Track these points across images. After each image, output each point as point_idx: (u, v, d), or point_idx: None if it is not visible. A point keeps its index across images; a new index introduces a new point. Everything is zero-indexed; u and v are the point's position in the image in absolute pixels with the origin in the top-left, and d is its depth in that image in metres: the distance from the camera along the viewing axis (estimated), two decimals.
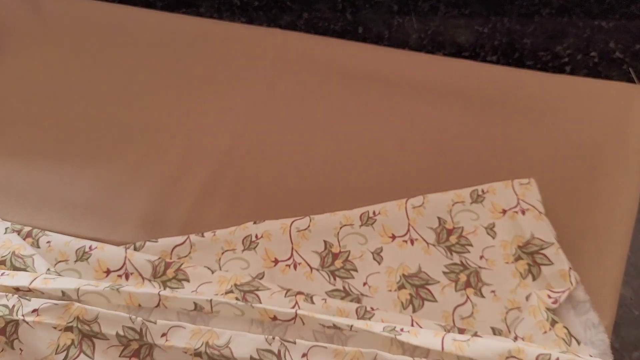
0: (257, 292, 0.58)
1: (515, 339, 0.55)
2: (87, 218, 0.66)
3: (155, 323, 0.55)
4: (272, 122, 0.70)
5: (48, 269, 0.60)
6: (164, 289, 0.58)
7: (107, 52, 0.75)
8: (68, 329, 0.56)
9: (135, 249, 0.62)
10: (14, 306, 0.56)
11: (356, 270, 0.61)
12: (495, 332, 0.57)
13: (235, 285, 0.59)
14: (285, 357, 0.52)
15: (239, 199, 0.66)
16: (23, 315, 0.56)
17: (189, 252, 0.62)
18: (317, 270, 0.61)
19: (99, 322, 0.55)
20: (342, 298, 0.59)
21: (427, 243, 0.61)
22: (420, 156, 0.66)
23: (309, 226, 0.62)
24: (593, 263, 0.59)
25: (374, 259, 0.61)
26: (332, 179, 0.66)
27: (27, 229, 0.64)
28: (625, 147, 0.64)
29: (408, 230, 0.62)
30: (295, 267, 0.61)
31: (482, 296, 0.59)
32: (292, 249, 0.62)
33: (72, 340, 0.55)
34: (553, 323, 0.54)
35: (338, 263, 0.61)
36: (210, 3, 0.78)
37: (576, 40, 0.72)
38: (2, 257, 0.61)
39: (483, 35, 0.73)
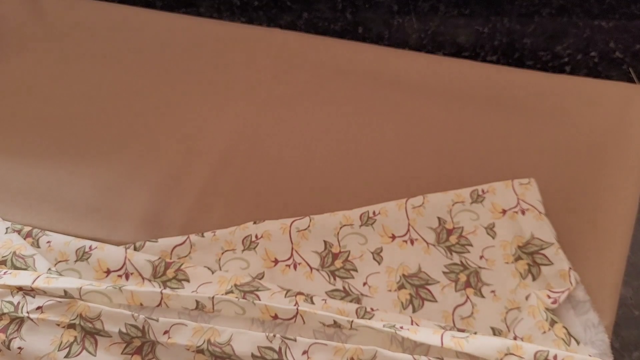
0: (257, 293, 0.58)
1: (515, 339, 0.55)
2: (87, 218, 0.66)
3: (157, 321, 0.55)
4: (272, 122, 0.70)
5: (49, 269, 0.61)
6: (164, 289, 0.58)
7: (107, 52, 0.75)
8: (71, 326, 0.56)
9: (135, 249, 0.62)
10: (19, 303, 0.57)
11: (356, 270, 0.61)
12: (495, 332, 0.57)
13: (235, 285, 0.59)
14: (286, 354, 0.53)
15: (239, 199, 0.66)
16: (28, 312, 0.56)
17: (189, 252, 0.62)
18: (317, 270, 0.61)
19: (101, 320, 0.56)
20: (342, 298, 0.59)
21: (427, 243, 0.61)
22: (420, 156, 0.66)
23: (309, 226, 0.62)
24: (593, 263, 0.59)
25: (374, 259, 0.61)
26: (332, 179, 0.66)
27: (27, 229, 0.64)
28: (625, 147, 0.64)
29: (408, 230, 0.62)
30: (295, 267, 0.61)
31: (482, 296, 0.59)
32: (292, 249, 0.62)
33: (75, 337, 0.56)
34: (552, 323, 0.55)
35: (338, 263, 0.61)
36: (210, 3, 0.78)
37: (576, 40, 0.72)
38: (3, 257, 0.61)
39: (483, 35, 0.73)
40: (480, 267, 0.60)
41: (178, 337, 0.54)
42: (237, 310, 0.56)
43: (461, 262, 0.60)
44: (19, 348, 0.55)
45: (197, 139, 0.70)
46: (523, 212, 0.60)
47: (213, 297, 0.56)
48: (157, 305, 0.57)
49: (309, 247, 0.62)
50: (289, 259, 0.62)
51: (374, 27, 0.75)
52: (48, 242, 0.63)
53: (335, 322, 0.54)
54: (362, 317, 0.57)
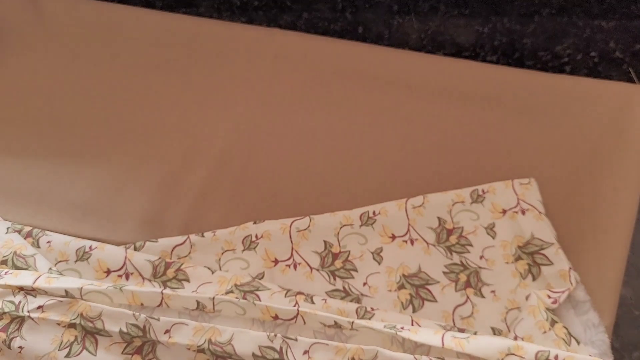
0: (257, 292, 0.58)
1: (515, 338, 0.55)
2: (87, 218, 0.66)
3: (158, 320, 0.55)
4: (272, 122, 0.70)
5: (50, 269, 0.61)
6: (165, 289, 0.58)
7: (107, 52, 0.75)
8: (71, 325, 0.56)
9: (135, 249, 0.62)
10: (19, 302, 0.57)
11: (356, 270, 0.61)
12: (495, 332, 0.57)
13: (236, 285, 0.59)
14: (287, 354, 0.53)
15: (239, 199, 0.66)
16: (28, 312, 0.56)
17: (189, 252, 0.62)
18: (317, 270, 0.61)
19: (102, 319, 0.56)
20: (342, 298, 0.59)
21: (427, 243, 0.61)
22: (420, 156, 0.66)
23: (309, 226, 0.62)
24: (593, 263, 0.59)
25: (374, 259, 0.61)
26: (332, 179, 0.66)
27: (27, 229, 0.64)
28: (625, 147, 0.64)
29: (408, 230, 0.62)
30: (295, 267, 0.61)
31: (482, 296, 0.59)
32: (292, 249, 0.62)
33: (75, 336, 0.56)
34: (552, 323, 0.54)
35: (338, 263, 0.61)
36: (210, 3, 0.78)
37: (576, 40, 0.72)
38: (4, 257, 0.61)
39: (483, 35, 0.73)
40: (480, 267, 0.60)
41: (179, 337, 0.54)
42: (238, 310, 0.56)
43: (461, 262, 0.60)
44: (20, 347, 0.56)
45: (197, 139, 0.70)
46: (523, 212, 0.60)
47: (214, 298, 0.56)
48: (158, 305, 0.57)
49: (309, 247, 0.62)
50: (289, 259, 0.62)
51: (374, 27, 0.75)
52: (48, 242, 0.63)
53: (335, 322, 0.54)
54: (362, 317, 0.57)
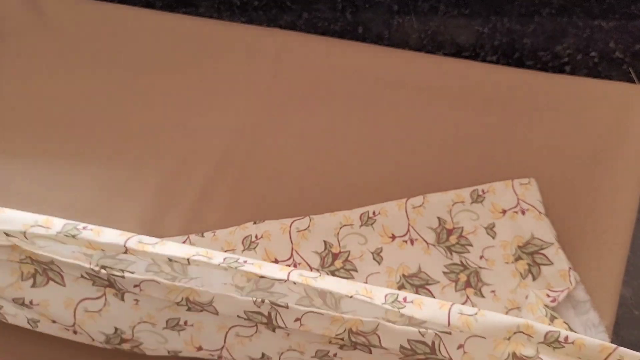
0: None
1: None
2: (87, 218, 0.66)
3: (123, 277, 0.47)
4: (272, 122, 0.70)
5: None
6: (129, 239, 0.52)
7: (107, 52, 0.75)
8: (24, 262, 0.50)
9: None
10: None
11: (356, 271, 0.61)
12: None
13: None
14: (276, 319, 0.47)
15: (239, 199, 0.66)
16: None
17: None
18: (317, 270, 0.61)
19: (57, 266, 0.49)
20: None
21: (427, 243, 0.61)
22: (420, 156, 0.66)
23: (309, 226, 0.62)
24: (593, 263, 0.59)
25: (374, 259, 0.61)
26: (332, 179, 0.66)
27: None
28: (625, 147, 0.64)
29: (408, 230, 0.62)
30: (295, 267, 0.61)
31: (482, 296, 0.59)
32: (292, 249, 0.62)
33: (35, 269, 0.50)
34: (552, 319, 0.54)
35: (338, 263, 0.61)
36: (210, 3, 0.77)
37: (576, 40, 0.72)
38: None
39: (483, 35, 0.73)
40: (480, 267, 0.60)
41: (151, 291, 0.48)
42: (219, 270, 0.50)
43: (461, 262, 0.60)
44: None
45: (197, 139, 0.70)
46: (523, 212, 0.60)
47: (189, 259, 0.50)
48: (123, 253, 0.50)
49: (309, 247, 0.62)
50: (288, 259, 0.62)
51: (374, 27, 0.75)
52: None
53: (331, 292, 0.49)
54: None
